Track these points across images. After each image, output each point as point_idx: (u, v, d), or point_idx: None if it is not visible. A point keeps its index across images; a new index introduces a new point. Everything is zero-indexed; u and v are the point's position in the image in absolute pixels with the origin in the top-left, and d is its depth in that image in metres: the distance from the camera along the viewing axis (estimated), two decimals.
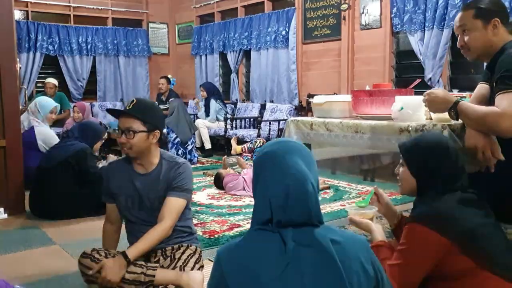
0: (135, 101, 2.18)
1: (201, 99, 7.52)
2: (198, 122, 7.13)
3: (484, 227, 1.63)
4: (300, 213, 1.23)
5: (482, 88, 2.27)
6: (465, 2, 4.85)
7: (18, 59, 5.23)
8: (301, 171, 1.26)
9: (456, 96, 2.12)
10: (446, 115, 2.08)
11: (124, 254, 2.05)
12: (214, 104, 7.21)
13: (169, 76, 8.06)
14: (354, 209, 2.05)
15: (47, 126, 4.64)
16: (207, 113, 7.36)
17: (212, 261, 2.75)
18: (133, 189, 2.22)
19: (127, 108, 2.15)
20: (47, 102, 4.74)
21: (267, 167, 1.28)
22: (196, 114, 7.78)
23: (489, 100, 2.10)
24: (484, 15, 2.08)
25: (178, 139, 6.21)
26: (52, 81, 7.20)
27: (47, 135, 4.51)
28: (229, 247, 1.26)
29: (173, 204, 2.17)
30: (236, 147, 6.02)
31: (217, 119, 7.23)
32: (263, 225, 1.25)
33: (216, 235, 3.22)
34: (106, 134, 4.65)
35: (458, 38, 2.20)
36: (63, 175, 3.67)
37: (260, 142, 5.75)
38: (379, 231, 1.88)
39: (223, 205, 4.16)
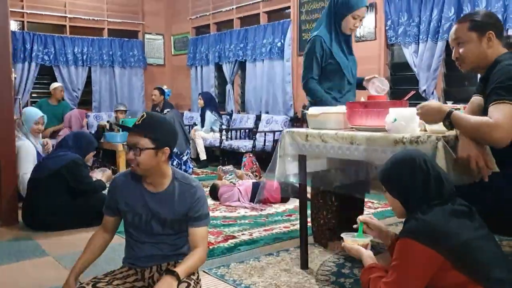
0: (144, 115, 2.06)
1: (198, 109, 7.52)
2: (195, 134, 7.14)
3: (477, 240, 1.61)
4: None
5: (476, 100, 2.29)
6: (459, 15, 4.94)
7: (13, 69, 5.21)
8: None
9: (451, 108, 2.13)
10: (440, 126, 2.09)
11: (172, 272, 1.94)
12: (209, 116, 7.22)
13: (164, 87, 8.06)
14: (348, 236, 2.06)
15: (30, 140, 4.33)
16: (202, 124, 7.37)
17: (207, 273, 2.74)
18: (145, 207, 2.11)
19: (136, 123, 2.04)
20: (30, 113, 4.43)
21: None
22: (191, 125, 7.78)
23: (483, 112, 2.11)
24: (479, 28, 2.10)
25: (174, 150, 6.20)
26: (61, 84, 7.28)
27: (20, 152, 4.14)
28: None
29: (202, 234, 2.12)
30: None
31: (212, 130, 7.23)
32: None
33: (210, 247, 3.21)
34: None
35: (453, 50, 2.22)
36: (55, 186, 3.66)
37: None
38: (370, 256, 1.88)
39: (218, 216, 4.15)
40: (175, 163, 6.03)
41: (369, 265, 1.82)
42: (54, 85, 7.22)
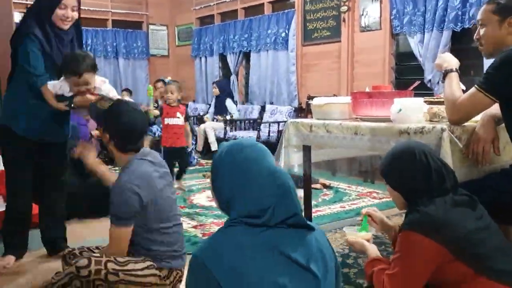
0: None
1: (204, 99, 7.46)
2: (206, 124, 7.05)
3: (479, 230, 1.60)
4: (288, 211, 1.27)
5: None
6: (465, 4, 4.89)
7: None
8: (282, 170, 1.33)
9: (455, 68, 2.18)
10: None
11: None
12: (230, 102, 7.10)
13: (168, 78, 8.07)
14: (350, 229, 2.06)
15: None
16: (216, 112, 7.24)
17: None
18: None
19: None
20: None
21: (248, 169, 1.29)
22: (195, 117, 7.75)
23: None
24: (502, 12, 2.05)
25: None
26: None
27: None
28: (211, 247, 1.25)
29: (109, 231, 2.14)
30: None
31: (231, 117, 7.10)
32: (248, 218, 1.25)
33: None
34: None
35: (477, 30, 2.19)
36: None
37: None
38: (373, 250, 1.87)
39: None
40: None
41: (372, 257, 1.81)
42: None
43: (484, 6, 2.13)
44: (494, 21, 2.07)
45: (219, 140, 7.08)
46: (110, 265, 1.97)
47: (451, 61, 2.19)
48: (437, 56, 4.99)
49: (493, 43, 2.10)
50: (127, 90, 8.02)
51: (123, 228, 2.01)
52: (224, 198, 1.32)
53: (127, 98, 7.51)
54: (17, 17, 7.82)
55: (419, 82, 2.85)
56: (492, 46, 2.11)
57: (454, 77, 2.12)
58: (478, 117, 2.09)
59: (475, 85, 1.97)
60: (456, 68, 2.15)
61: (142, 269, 2.04)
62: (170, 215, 2.13)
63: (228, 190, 1.30)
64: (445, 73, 2.16)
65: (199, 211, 4.01)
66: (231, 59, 8.01)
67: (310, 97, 6.22)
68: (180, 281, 2.17)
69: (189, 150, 6.16)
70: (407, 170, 1.71)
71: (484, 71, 2.00)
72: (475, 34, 2.19)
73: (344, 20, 6.08)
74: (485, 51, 2.17)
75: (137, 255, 2.09)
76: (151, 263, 2.07)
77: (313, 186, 4.63)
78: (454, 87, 2.08)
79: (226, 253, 1.21)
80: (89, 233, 3.38)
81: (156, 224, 2.07)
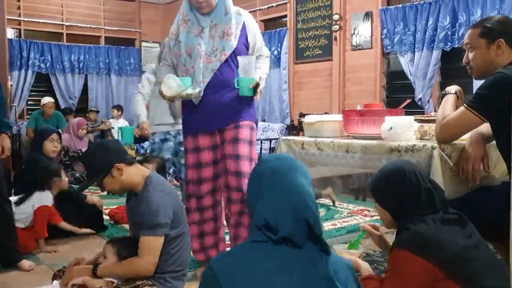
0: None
1: None
2: None
3: (469, 248, 1.60)
4: (301, 232, 1.26)
5: None
6: (455, 24, 4.97)
7: (9, 77, 5.20)
8: (305, 192, 1.31)
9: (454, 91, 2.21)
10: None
11: (96, 265, 2.12)
12: None
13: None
14: (340, 247, 2.06)
15: None
16: None
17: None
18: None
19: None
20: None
21: (272, 182, 1.30)
22: None
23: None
24: (488, 35, 2.07)
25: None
26: (51, 100, 7.12)
27: None
28: (226, 261, 1.25)
29: (143, 242, 2.13)
30: None
31: None
32: (263, 234, 1.26)
33: None
34: None
35: (465, 54, 2.22)
36: None
37: None
38: (366, 267, 1.88)
39: None
40: (171, 170, 6.00)
41: (365, 276, 1.81)
42: (44, 100, 7.06)
43: (471, 30, 2.16)
44: (482, 45, 2.09)
45: None
46: None
47: (452, 87, 2.23)
48: (427, 75, 5.07)
49: (483, 66, 2.12)
50: (117, 107, 8.05)
51: (160, 238, 2.06)
52: (251, 203, 1.35)
53: (116, 114, 7.68)
54: (10, 33, 7.86)
55: (410, 100, 2.88)
56: (481, 68, 2.13)
57: (450, 98, 2.14)
58: (467, 136, 2.11)
59: (464, 104, 1.99)
60: (456, 91, 2.17)
61: None
62: (182, 219, 2.23)
63: (252, 196, 1.35)
64: (443, 95, 2.20)
65: None
66: None
67: (302, 115, 6.25)
68: None
69: (183, 162, 6.15)
70: (396, 189, 1.71)
71: (474, 91, 2.02)
72: (464, 58, 2.21)
73: (335, 39, 6.15)
74: (475, 73, 2.19)
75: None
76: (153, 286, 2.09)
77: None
78: (447, 107, 2.10)
79: (239, 269, 1.20)
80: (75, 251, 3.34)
81: (172, 231, 2.13)
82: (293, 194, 1.28)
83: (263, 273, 1.20)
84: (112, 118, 7.96)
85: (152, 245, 2.05)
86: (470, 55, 2.15)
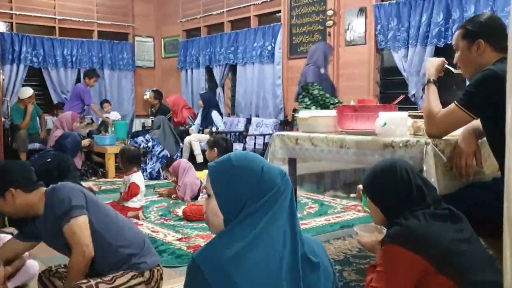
0: None
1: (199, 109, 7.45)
2: (191, 137, 6.97)
3: (460, 243, 1.61)
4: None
5: None
6: (448, 20, 4.99)
7: (1, 71, 5.16)
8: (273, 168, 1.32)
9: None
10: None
11: None
12: (216, 115, 7.02)
13: (146, 94, 8.39)
14: (360, 227, 1.95)
15: None
16: (202, 124, 7.19)
17: None
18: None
19: None
20: None
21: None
22: (186, 130, 7.70)
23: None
24: (469, 36, 2.12)
25: (163, 153, 6.19)
26: (31, 91, 6.96)
27: None
28: (208, 251, 1.24)
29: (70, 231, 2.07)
30: None
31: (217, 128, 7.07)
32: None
33: None
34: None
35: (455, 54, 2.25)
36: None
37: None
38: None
39: None
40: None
41: (372, 263, 1.82)
42: (27, 91, 6.93)
43: (456, 32, 2.21)
44: (464, 46, 2.14)
45: (204, 152, 7.02)
46: (102, 286, 1.96)
47: (430, 70, 2.26)
48: (420, 71, 5.09)
49: (468, 66, 2.17)
50: (106, 101, 8.15)
51: (78, 218, 2.00)
52: (240, 205, 1.24)
53: (107, 108, 7.84)
54: (2, 27, 7.79)
55: (403, 96, 2.89)
56: (468, 68, 2.18)
57: (432, 89, 2.18)
58: (459, 131, 2.13)
59: (455, 102, 2.02)
60: (433, 79, 2.21)
61: (129, 280, 2.04)
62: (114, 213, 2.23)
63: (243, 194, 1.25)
64: (425, 84, 2.25)
65: (184, 223, 3.98)
66: (217, 72, 8.03)
67: (296, 110, 6.26)
68: (162, 278, 2.18)
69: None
70: (388, 185, 1.74)
71: (464, 89, 2.06)
72: (454, 58, 2.25)
73: (329, 34, 6.15)
74: (464, 73, 2.24)
75: (115, 271, 2.07)
76: (133, 272, 2.07)
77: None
78: (432, 100, 2.13)
79: (221, 259, 1.19)
80: None
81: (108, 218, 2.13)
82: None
83: (247, 263, 1.19)
84: (104, 112, 7.93)
85: (74, 229, 1.99)
86: (456, 55, 2.20)
